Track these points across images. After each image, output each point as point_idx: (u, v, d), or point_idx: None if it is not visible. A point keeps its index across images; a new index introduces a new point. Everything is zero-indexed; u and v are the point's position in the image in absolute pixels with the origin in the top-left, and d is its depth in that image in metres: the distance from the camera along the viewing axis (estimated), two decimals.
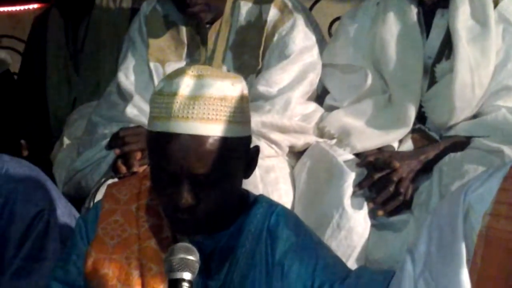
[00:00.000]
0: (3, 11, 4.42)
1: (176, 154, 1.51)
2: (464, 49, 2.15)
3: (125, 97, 2.47)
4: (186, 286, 1.44)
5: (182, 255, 1.45)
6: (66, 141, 2.67)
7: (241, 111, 1.57)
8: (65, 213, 2.06)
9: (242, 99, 1.57)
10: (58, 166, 2.60)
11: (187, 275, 1.44)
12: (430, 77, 2.25)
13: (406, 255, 1.44)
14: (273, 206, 1.67)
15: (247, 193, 1.69)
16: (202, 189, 1.53)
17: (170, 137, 1.51)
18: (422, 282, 1.37)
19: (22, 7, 4.32)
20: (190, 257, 1.45)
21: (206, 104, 1.52)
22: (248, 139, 1.60)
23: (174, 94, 1.53)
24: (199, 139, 1.51)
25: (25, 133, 2.92)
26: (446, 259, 1.34)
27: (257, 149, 1.63)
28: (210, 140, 1.51)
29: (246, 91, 1.59)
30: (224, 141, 1.53)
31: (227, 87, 1.55)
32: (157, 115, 1.54)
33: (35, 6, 4.21)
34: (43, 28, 3.09)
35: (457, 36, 2.17)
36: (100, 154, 2.36)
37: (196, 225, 1.56)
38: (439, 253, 1.36)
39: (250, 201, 1.67)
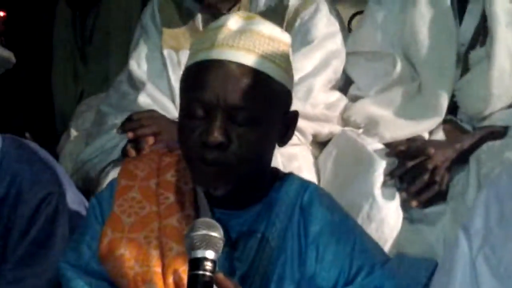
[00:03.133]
0: None
1: (214, 81, 1.39)
2: (502, 33, 2.03)
3: (137, 86, 2.35)
4: (209, 266, 1.28)
5: (204, 231, 1.30)
6: (73, 132, 2.55)
7: (287, 59, 1.46)
8: (75, 200, 1.91)
9: (289, 50, 1.47)
10: (65, 158, 2.47)
11: (210, 254, 1.28)
12: (463, 65, 2.13)
13: (459, 233, 1.31)
14: (306, 184, 1.54)
15: (277, 170, 1.55)
16: (235, 127, 1.40)
17: (211, 64, 1.41)
18: (481, 258, 1.23)
19: None
20: (214, 234, 1.30)
21: (253, 37, 1.42)
22: (290, 96, 1.48)
23: (220, 26, 1.44)
24: (241, 68, 1.40)
25: (30, 126, 2.80)
26: (510, 232, 1.20)
27: (296, 113, 1.50)
28: (253, 73, 1.40)
29: (290, 48, 1.50)
30: (267, 80, 1.41)
31: (277, 30, 1.48)
32: (199, 47, 1.44)
33: None
34: (49, 19, 2.99)
35: (495, 20, 2.04)
36: (111, 143, 2.23)
37: (223, 173, 1.41)
38: (501, 226, 1.23)
39: (281, 178, 1.53)
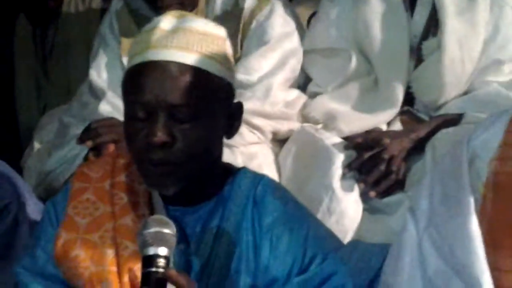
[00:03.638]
0: None
1: (152, 82, 1.40)
2: (452, 23, 2.06)
3: (97, 95, 2.36)
4: (162, 263, 1.29)
5: (156, 229, 1.31)
6: (36, 145, 2.54)
7: (223, 53, 1.47)
8: (36, 211, 1.90)
9: (225, 43, 1.49)
10: (28, 172, 2.45)
11: (162, 250, 1.29)
12: (417, 56, 2.15)
13: (406, 215, 1.32)
14: (258, 177, 1.54)
15: (230, 165, 1.57)
16: (177, 125, 1.41)
17: (147, 66, 1.42)
18: (426, 237, 1.24)
19: None
20: (166, 230, 1.31)
21: (187, 35, 1.44)
22: (231, 87, 1.49)
23: (153, 28, 1.45)
24: (178, 67, 1.41)
25: None
26: (452, 211, 1.23)
27: (240, 105, 1.51)
28: (189, 70, 1.41)
29: (228, 41, 1.51)
30: (204, 75, 1.42)
31: (210, 26, 1.49)
32: (135, 51, 1.45)
33: None
34: (9, 35, 2.99)
35: (444, 10, 2.08)
36: (73, 152, 2.24)
37: (171, 172, 1.42)
38: (444, 206, 1.25)
39: (234, 172, 1.54)
